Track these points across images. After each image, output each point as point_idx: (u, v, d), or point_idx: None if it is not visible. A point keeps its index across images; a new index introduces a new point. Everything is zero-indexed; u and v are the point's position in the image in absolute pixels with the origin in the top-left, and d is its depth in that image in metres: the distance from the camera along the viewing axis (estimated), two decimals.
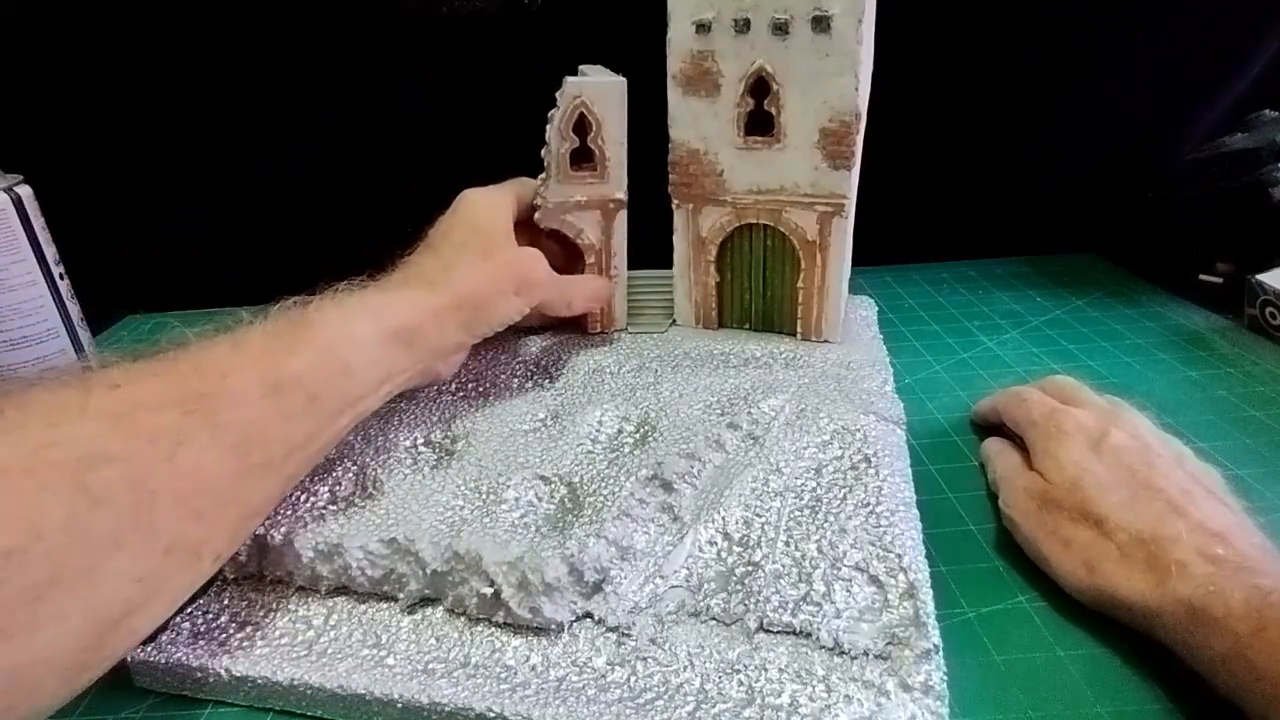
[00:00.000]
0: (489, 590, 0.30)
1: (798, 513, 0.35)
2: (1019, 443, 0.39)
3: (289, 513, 0.35)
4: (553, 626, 0.30)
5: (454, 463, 0.39)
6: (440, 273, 0.39)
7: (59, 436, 0.25)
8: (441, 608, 0.32)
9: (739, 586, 0.31)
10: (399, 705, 0.28)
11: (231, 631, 0.31)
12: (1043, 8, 0.59)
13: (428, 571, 0.32)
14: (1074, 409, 0.38)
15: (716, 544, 0.34)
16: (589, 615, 0.31)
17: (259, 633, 0.31)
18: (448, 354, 0.40)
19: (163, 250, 0.67)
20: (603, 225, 0.50)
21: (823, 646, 0.29)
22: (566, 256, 0.51)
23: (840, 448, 0.39)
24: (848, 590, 0.31)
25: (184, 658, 0.30)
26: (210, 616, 0.32)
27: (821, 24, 0.43)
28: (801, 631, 0.29)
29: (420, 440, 0.41)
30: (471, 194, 0.44)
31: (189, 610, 0.32)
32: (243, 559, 0.33)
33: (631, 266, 0.53)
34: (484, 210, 0.43)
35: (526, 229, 0.47)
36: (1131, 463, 0.34)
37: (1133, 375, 0.50)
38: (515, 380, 0.48)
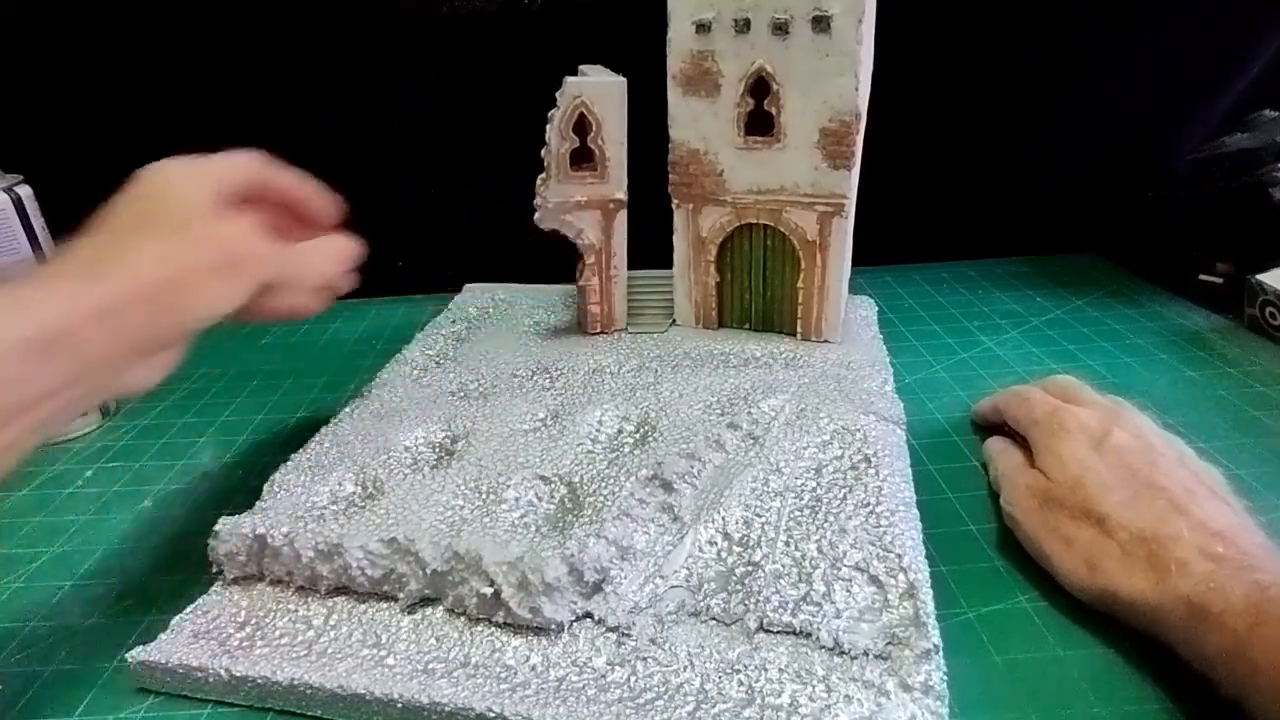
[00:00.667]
0: (489, 590, 0.30)
1: (798, 513, 0.35)
2: (1021, 442, 0.39)
3: (289, 513, 0.35)
4: (553, 626, 0.30)
5: (454, 463, 0.39)
6: (110, 255, 0.31)
7: None
8: (441, 608, 0.32)
9: (739, 586, 0.31)
10: (399, 705, 0.28)
11: (231, 631, 0.31)
12: (1043, 8, 0.59)
13: (428, 571, 0.32)
14: (1076, 408, 0.38)
15: (716, 544, 0.34)
16: (589, 615, 0.31)
17: (259, 633, 0.31)
18: (132, 358, 0.30)
19: None
20: (603, 225, 0.50)
21: (823, 646, 0.29)
22: (300, 223, 0.40)
23: (840, 448, 0.39)
24: (848, 590, 0.31)
25: (184, 658, 0.30)
26: (210, 616, 0.32)
27: (821, 24, 0.43)
28: (801, 631, 0.29)
29: (420, 440, 0.41)
30: (158, 164, 0.35)
31: (189, 610, 0.32)
32: (242, 559, 0.33)
33: (631, 266, 0.53)
34: (174, 178, 0.34)
35: (251, 209, 0.37)
36: (1133, 462, 0.34)
37: (1133, 375, 0.50)
38: (515, 380, 0.47)
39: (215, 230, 0.33)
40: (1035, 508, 0.35)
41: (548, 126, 0.48)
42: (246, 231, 0.34)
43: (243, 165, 0.37)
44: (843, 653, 0.28)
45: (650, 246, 0.53)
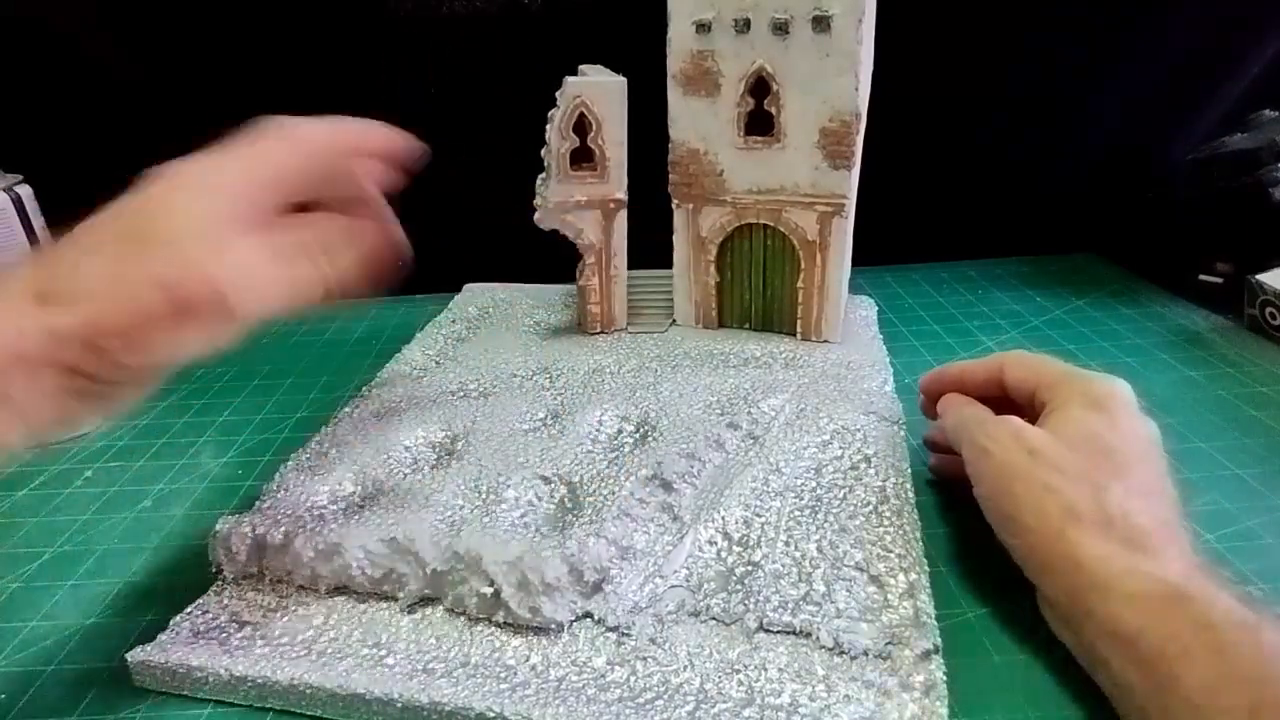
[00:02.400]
0: (489, 590, 0.30)
1: (798, 512, 0.35)
2: None
3: (289, 513, 0.35)
4: (552, 626, 0.30)
5: (454, 463, 0.39)
6: (61, 283, 0.26)
7: None
8: (441, 607, 0.32)
9: (739, 586, 0.31)
10: (398, 705, 0.28)
11: (231, 631, 0.31)
12: (1042, 8, 0.59)
13: (428, 571, 0.32)
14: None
15: (716, 544, 0.34)
16: (589, 615, 0.31)
17: (259, 632, 0.31)
18: (66, 401, 0.26)
19: None
20: (603, 225, 0.50)
21: (823, 646, 0.29)
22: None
23: (840, 448, 0.39)
24: (848, 590, 0.31)
25: (184, 657, 0.30)
26: (210, 616, 0.32)
27: (821, 24, 0.43)
28: (801, 631, 0.29)
29: (420, 440, 0.41)
30: (173, 165, 0.29)
31: (189, 610, 0.32)
32: (242, 559, 0.33)
33: (631, 266, 0.53)
34: (178, 190, 0.29)
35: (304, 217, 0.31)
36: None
37: (1133, 375, 0.49)
38: (515, 380, 0.47)
39: (202, 263, 0.26)
40: (1020, 452, 0.31)
41: (548, 126, 0.48)
42: (247, 265, 0.28)
43: (287, 166, 0.30)
44: (843, 653, 0.28)
45: (650, 246, 0.53)
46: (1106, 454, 0.31)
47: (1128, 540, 0.28)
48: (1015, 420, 0.33)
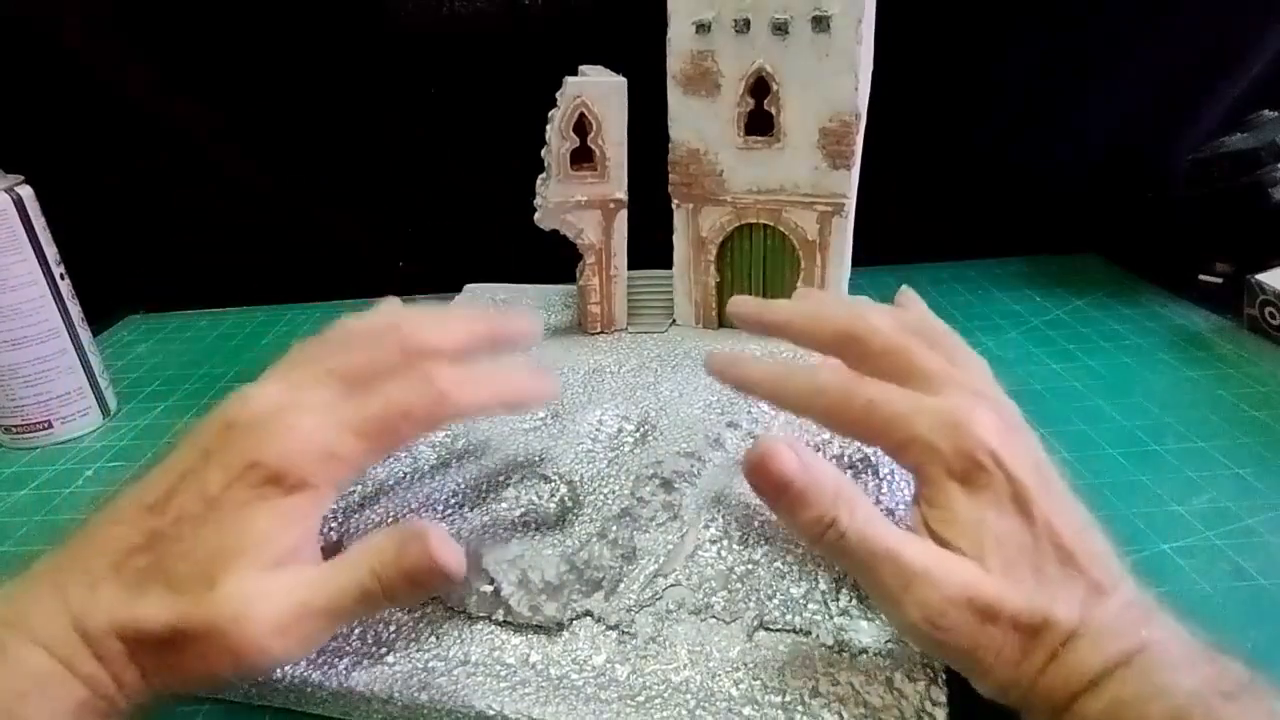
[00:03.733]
0: (489, 588, 0.30)
1: None
2: None
3: None
4: (553, 625, 0.30)
5: (454, 462, 0.39)
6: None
7: None
8: (441, 606, 0.32)
9: (739, 584, 0.31)
10: (399, 703, 0.28)
11: None
12: (1043, 8, 0.59)
13: None
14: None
15: (717, 542, 0.34)
16: (589, 613, 0.31)
17: None
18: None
19: (163, 250, 0.68)
20: (603, 225, 0.50)
21: (823, 644, 0.29)
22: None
23: (840, 447, 0.39)
24: (849, 588, 0.31)
25: None
26: None
27: (821, 24, 0.43)
28: (802, 630, 0.29)
29: (421, 440, 0.41)
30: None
31: None
32: None
33: (631, 266, 0.53)
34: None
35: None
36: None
37: (1133, 375, 0.50)
38: None
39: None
40: (977, 627, 0.24)
41: (548, 126, 0.48)
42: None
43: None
44: (843, 651, 0.28)
45: (650, 246, 0.53)
46: (1036, 568, 0.24)
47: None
48: (967, 577, 0.24)
